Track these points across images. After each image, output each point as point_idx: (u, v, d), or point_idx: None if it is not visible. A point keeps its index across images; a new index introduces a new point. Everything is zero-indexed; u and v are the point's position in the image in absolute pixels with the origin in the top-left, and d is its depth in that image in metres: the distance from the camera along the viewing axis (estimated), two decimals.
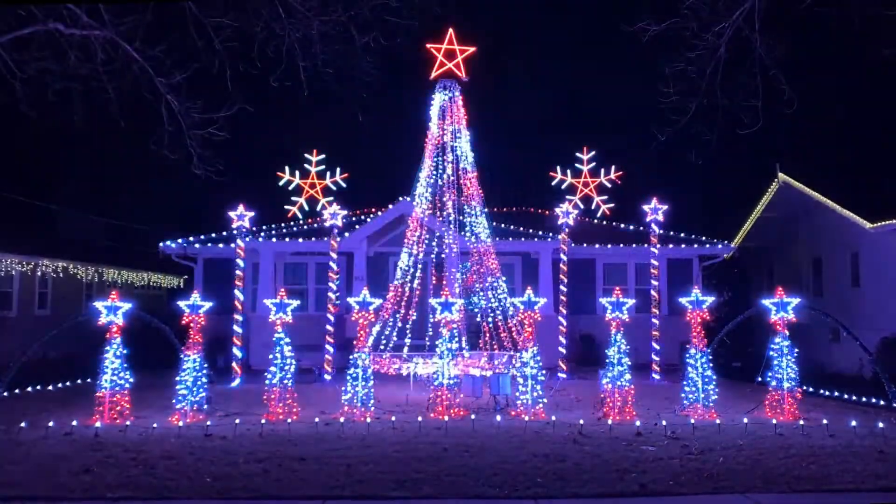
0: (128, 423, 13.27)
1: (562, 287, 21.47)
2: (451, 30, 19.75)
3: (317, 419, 13.42)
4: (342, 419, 13.62)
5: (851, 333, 15.87)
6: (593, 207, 24.42)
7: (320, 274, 24.98)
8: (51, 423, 12.94)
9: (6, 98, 13.71)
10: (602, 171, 24.48)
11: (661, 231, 21.70)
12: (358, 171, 25.04)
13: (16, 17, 12.97)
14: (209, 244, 24.83)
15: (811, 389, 16.75)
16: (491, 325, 19.92)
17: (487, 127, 24.70)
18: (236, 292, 20.31)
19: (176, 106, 14.27)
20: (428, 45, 19.71)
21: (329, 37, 13.94)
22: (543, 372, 14.74)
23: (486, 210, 20.52)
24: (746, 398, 16.32)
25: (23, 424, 12.88)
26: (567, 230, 21.47)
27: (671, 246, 25.16)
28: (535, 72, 47.60)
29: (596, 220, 25.75)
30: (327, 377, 20.02)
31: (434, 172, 19.89)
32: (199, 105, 14.44)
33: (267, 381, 14.24)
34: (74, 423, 13.04)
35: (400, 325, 19.46)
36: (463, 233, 20.22)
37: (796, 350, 14.53)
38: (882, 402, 15.28)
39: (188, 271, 27.43)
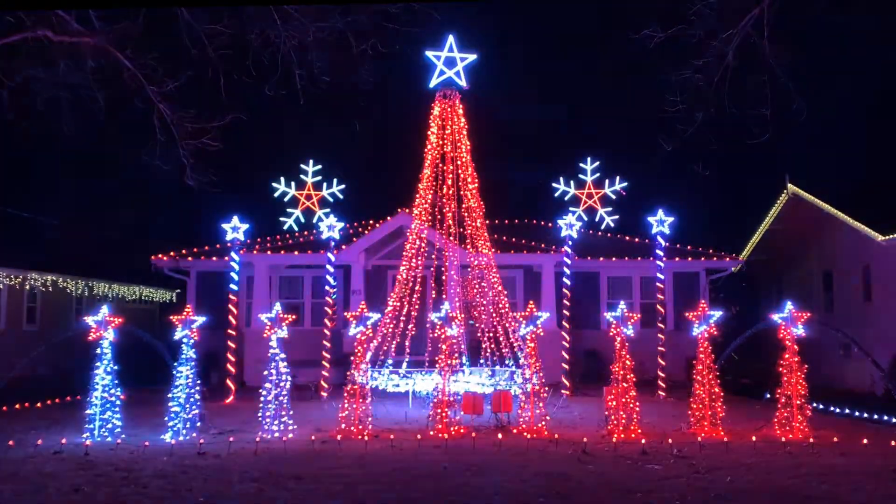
0: (119, 440, 13.03)
1: (565, 301, 21.14)
2: (451, 37, 19.45)
3: (313, 437, 13.29)
4: (339, 437, 13.43)
5: (863, 349, 15.61)
6: (597, 220, 24.16)
7: (317, 288, 24.69)
8: (40, 441, 12.77)
9: None
10: (606, 182, 24.21)
11: (667, 244, 21.44)
12: (355, 182, 24.78)
13: (2, 25, 12.78)
14: (202, 257, 24.56)
15: (821, 406, 16.46)
16: (492, 341, 19.58)
17: (488, 136, 24.34)
18: (230, 307, 19.99)
19: (168, 115, 14.11)
20: (427, 52, 19.40)
21: (326, 44, 13.75)
22: (546, 388, 14.46)
23: (487, 222, 20.20)
24: (755, 415, 16.04)
25: (11, 442, 12.69)
26: (570, 243, 21.16)
27: (677, 259, 24.88)
28: (537, 80, 47.40)
29: (600, 233, 25.46)
30: (324, 394, 19.69)
31: (434, 183, 19.58)
32: (192, 114, 14.27)
33: (262, 398, 14.00)
34: (64, 440, 12.82)
35: (398, 340, 19.14)
36: (463, 245, 19.92)
37: (806, 366, 14.24)
38: (894, 420, 15.04)
39: (181, 285, 27.15)
